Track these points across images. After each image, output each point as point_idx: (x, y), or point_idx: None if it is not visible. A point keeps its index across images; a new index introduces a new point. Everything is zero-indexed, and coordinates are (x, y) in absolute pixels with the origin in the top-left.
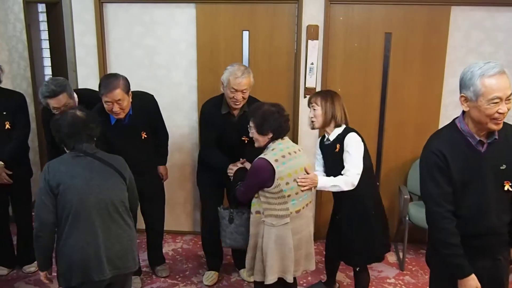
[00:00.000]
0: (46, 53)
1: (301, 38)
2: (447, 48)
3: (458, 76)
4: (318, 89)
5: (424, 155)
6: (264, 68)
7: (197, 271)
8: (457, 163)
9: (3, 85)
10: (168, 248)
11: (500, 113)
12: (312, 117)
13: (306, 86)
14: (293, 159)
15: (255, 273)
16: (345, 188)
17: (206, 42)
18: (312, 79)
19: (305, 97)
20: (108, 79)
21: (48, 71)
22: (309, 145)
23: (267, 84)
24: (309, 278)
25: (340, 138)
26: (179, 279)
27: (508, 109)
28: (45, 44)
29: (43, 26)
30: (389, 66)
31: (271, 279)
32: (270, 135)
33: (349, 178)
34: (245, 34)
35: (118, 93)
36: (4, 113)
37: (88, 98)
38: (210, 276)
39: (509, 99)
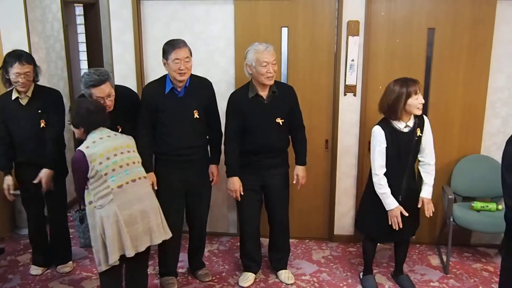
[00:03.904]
0: (83, 56)
1: (341, 34)
2: (492, 43)
3: (505, 72)
4: (359, 86)
5: (508, 149)
6: (303, 65)
7: (234, 272)
8: None
9: (40, 84)
10: (204, 249)
11: None
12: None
13: (347, 83)
14: (105, 141)
15: (99, 263)
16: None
17: (245, 39)
18: (353, 76)
19: (345, 94)
20: (174, 40)
21: None
22: (350, 143)
23: (307, 81)
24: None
25: (419, 123)
26: (216, 280)
27: None
28: (82, 47)
29: (81, 29)
30: (432, 63)
31: (113, 258)
32: (83, 129)
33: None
34: (284, 31)
35: (187, 51)
36: (39, 111)
37: (123, 94)
38: (246, 277)
39: None
